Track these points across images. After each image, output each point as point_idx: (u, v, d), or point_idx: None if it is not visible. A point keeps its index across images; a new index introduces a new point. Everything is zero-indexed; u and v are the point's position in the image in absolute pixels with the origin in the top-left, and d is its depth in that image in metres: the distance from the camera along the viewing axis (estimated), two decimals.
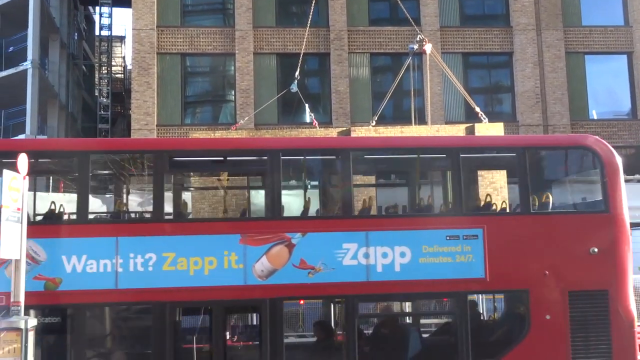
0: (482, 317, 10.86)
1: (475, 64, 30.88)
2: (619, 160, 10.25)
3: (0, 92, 29.57)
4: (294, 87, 22.67)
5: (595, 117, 30.17)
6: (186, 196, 11.53)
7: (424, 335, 11.63)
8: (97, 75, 38.70)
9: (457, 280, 9.58)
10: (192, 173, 12.19)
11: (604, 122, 29.97)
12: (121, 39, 43.49)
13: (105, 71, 37.43)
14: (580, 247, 9.81)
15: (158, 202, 9.57)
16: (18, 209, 8.22)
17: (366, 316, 11.24)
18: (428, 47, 21.89)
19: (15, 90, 28.16)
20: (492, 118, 20.46)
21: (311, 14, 25.24)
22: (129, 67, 36.52)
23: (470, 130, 19.44)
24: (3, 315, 8.09)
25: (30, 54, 28.08)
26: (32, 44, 28.18)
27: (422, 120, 25.62)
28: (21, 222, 8.25)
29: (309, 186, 11.75)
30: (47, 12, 29.55)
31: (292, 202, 11.52)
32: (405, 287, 9.59)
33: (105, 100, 35.65)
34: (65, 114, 32.50)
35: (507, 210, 11.30)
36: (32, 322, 8.17)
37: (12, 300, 8.10)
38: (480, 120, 20.00)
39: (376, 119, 20.70)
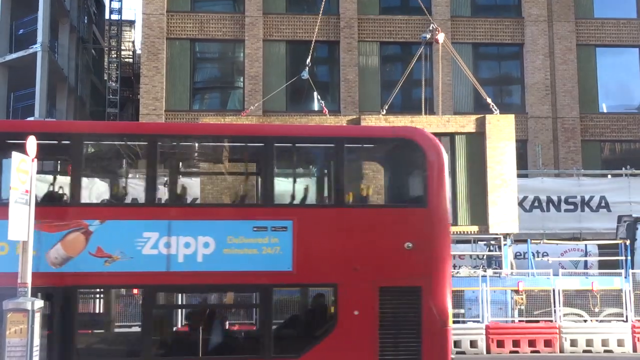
0: (289, 311, 10.61)
1: (486, 54, 30.74)
2: (444, 154, 9.81)
3: (9, 74, 29.57)
4: (305, 74, 22.60)
5: (605, 111, 30.01)
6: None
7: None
8: (106, 60, 38.68)
9: (263, 273, 9.24)
10: None
11: (614, 116, 29.81)
12: (131, 23, 43.38)
13: (115, 55, 37.42)
14: (394, 242, 9.46)
15: None
16: (26, 191, 8.25)
17: (164, 307, 10.69)
18: (441, 37, 21.76)
19: (25, 72, 28.15)
20: (501, 109, 20.37)
21: (323, 1, 25.08)
22: (139, 51, 36.50)
23: (481, 121, 19.36)
24: (10, 297, 8.14)
25: (40, 37, 28.05)
26: (42, 27, 28.14)
27: (430, 111, 25.53)
28: (29, 204, 8.29)
29: (122, 173, 11.26)
30: None
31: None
32: (207, 278, 9.25)
33: (114, 84, 35.65)
34: (74, 98, 32.50)
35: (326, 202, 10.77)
36: (39, 303, 8.22)
37: (19, 281, 8.15)
38: (491, 111, 19.91)
39: (387, 107, 20.63)
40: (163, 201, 10.12)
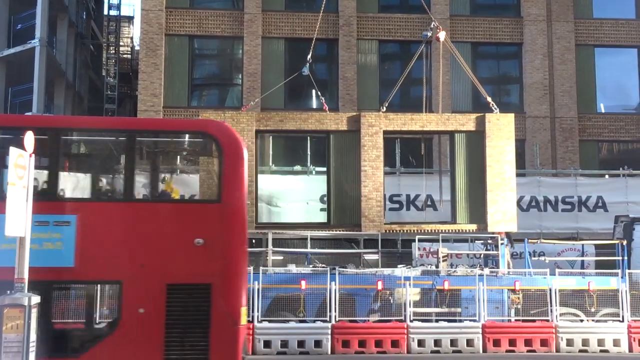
0: (70, 309, 10.28)
1: (484, 53, 30.74)
2: (244, 150, 9.61)
3: (7, 69, 29.53)
4: (306, 70, 22.52)
5: (603, 111, 30.03)
6: None
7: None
8: (104, 55, 38.60)
9: (42, 269, 8.68)
10: None
11: (612, 116, 29.83)
12: (129, 19, 43.33)
13: (113, 51, 37.31)
14: (185, 238, 9.24)
15: None
16: (24, 186, 8.22)
17: None
18: (442, 35, 21.67)
19: (23, 68, 28.12)
20: (500, 109, 20.31)
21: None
22: (137, 47, 36.43)
23: (481, 120, 19.35)
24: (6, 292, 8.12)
25: (38, 32, 28.00)
26: (41, 22, 28.10)
27: (428, 109, 25.49)
28: (27, 200, 8.26)
29: None
30: None
31: None
32: None
33: (112, 80, 35.56)
34: (72, 93, 32.44)
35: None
36: (35, 299, 8.20)
37: (16, 277, 8.13)
38: (490, 110, 19.89)
39: (387, 105, 20.60)
40: None
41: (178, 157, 11.12)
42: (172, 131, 10.58)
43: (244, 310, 9.44)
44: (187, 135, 10.38)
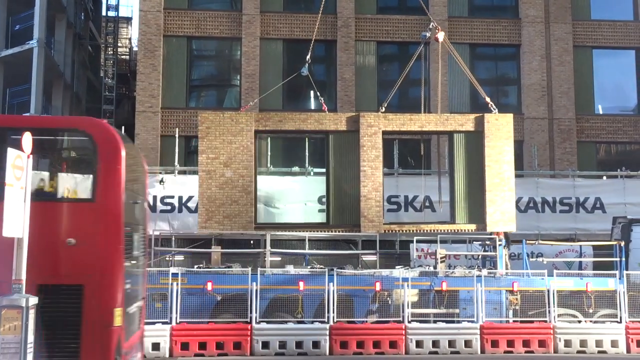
0: None
1: (482, 55, 30.76)
2: (120, 148, 9.44)
3: (5, 70, 29.50)
4: (305, 71, 22.50)
5: (600, 112, 30.06)
6: None
7: None
8: (102, 56, 38.62)
9: None
10: None
11: (610, 118, 29.87)
12: (128, 20, 43.40)
13: (111, 52, 37.34)
14: (56, 237, 9.13)
15: None
16: (21, 187, 8.22)
17: None
18: (441, 36, 21.66)
19: (21, 68, 28.08)
20: (498, 110, 20.32)
21: (322, 0, 24.99)
22: (135, 48, 36.44)
23: (480, 120, 19.36)
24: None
25: (36, 33, 27.97)
26: (39, 23, 28.07)
27: (427, 109, 25.48)
28: (24, 201, 8.25)
29: None
30: None
31: None
32: None
33: (110, 81, 35.59)
34: (70, 94, 32.42)
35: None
36: (33, 300, 8.19)
37: (13, 278, 8.12)
38: (489, 111, 19.89)
39: (385, 105, 20.60)
40: None
41: (54, 155, 10.76)
42: (45, 128, 10.31)
43: (118, 311, 9.30)
44: (63, 133, 10.23)
